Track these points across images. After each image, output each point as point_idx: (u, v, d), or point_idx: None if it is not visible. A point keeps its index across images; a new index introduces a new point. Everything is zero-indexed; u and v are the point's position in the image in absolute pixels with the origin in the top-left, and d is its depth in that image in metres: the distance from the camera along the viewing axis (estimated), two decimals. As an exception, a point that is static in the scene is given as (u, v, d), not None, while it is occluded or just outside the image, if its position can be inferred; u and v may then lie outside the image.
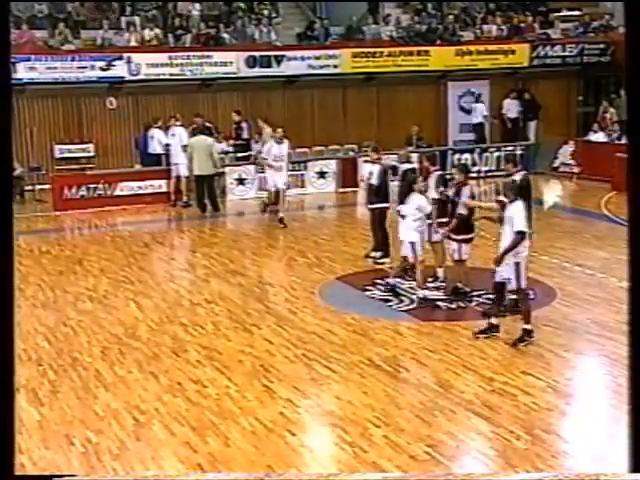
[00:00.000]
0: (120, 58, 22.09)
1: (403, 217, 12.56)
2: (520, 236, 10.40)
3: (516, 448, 8.08)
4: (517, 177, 11.88)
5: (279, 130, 18.23)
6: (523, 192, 11.65)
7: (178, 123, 20.66)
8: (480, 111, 25.51)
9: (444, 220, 12.60)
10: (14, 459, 5.19)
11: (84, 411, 8.96)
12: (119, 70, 22.04)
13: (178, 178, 20.37)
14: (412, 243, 12.43)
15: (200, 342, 11.14)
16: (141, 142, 21.59)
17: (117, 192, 20.23)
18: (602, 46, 26.59)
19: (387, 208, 14.54)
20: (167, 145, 20.71)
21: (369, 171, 14.70)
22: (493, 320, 10.91)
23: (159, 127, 20.98)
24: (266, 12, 25.43)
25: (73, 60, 21.95)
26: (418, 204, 12.40)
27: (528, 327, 10.63)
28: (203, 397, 9.35)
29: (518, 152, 23.56)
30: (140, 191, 20.60)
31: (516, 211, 10.48)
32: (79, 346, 11.02)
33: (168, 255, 16.76)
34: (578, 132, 25.88)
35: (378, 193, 14.52)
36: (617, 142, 23.36)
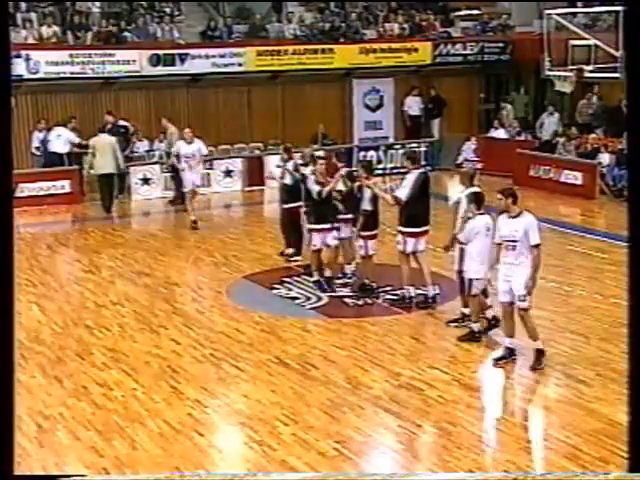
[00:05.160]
0: (18, 56, 21.45)
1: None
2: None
3: (423, 442, 8.19)
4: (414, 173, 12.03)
5: (187, 130, 17.86)
6: (423, 189, 11.90)
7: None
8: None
9: (350, 216, 12.69)
10: (14, 459, 5.15)
11: (-16, 419, 8.72)
12: (17, 68, 21.35)
13: None
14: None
15: (106, 344, 10.97)
16: (44, 140, 21.11)
17: (18, 194, 19.68)
18: (501, 45, 27.07)
19: (300, 207, 14.52)
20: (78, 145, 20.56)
21: (282, 170, 14.68)
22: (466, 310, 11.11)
23: (65, 126, 20.71)
24: (168, 10, 25.14)
25: (-33, 57, 21.27)
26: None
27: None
28: (109, 400, 9.21)
29: (422, 149, 23.95)
30: (42, 192, 20.18)
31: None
32: (-21, 352, 10.72)
33: (72, 257, 16.43)
34: (480, 129, 26.32)
35: (292, 192, 14.48)
36: (517, 138, 23.91)
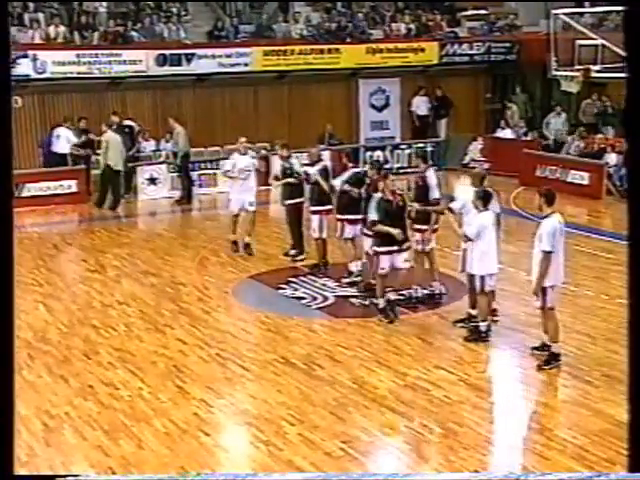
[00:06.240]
0: (25, 56, 21.48)
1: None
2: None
3: (429, 442, 8.18)
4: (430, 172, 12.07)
5: (242, 139, 15.39)
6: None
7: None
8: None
9: (359, 217, 12.55)
10: (13, 459, 5.16)
11: (-9, 418, 8.73)
12: (24, 68, 21.40)
13: None
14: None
15: (112, 344, 10.98)
16: (45, 142, 21.18)
17: (24, 193, 19.72)
18: (508, 44, 27.04)
19: (302, 203, 14.53)
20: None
21: (285, 167, 14.65)
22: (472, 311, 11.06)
23: (67, 126, 20.72)
24: (175, 10, 25.16)
25: (-25, 57, 21.26)
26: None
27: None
28: (115, 399, 9.21)
29: (429, 149, 23.91)
30: (49, 192, 20.21)
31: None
32: (-14, 351, 10.74)
33: (78, 256, 16.44)
34: (486, 129, 26.28)
35: (295, 189, 14.48)
36: (524, 138, 23.87)
